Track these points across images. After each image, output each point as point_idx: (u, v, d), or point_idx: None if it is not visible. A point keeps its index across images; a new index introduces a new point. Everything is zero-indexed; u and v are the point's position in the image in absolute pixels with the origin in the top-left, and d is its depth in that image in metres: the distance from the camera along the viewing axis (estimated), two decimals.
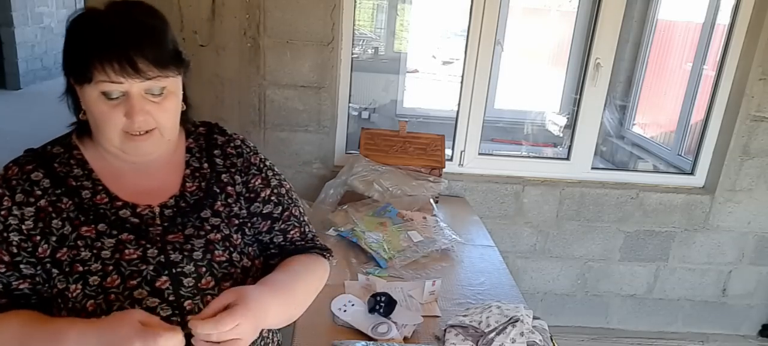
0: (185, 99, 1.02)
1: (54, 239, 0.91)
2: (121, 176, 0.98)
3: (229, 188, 1.06)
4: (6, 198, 0.90)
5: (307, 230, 1.14)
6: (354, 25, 2.42)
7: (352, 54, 2.46)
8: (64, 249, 0.90)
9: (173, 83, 0.94)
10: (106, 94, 0.88)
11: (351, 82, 2.50)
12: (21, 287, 0.89)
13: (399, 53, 3.94)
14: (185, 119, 1.04)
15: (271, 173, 1.11)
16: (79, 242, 0.91)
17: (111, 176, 0.97)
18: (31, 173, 0.93)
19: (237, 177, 1.07)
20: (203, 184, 1.04)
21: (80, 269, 0.90)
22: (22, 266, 0.89)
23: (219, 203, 1.03)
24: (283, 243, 1.10)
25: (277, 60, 2.31)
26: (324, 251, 1.14)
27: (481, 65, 2.48)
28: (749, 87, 2.48)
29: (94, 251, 0.91)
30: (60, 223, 0.91)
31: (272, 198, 1.09)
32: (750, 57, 2.46)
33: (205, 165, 1.06)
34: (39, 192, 0.92)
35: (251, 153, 1.11)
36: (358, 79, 2.65)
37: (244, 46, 2.28)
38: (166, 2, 2.19)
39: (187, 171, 1.04)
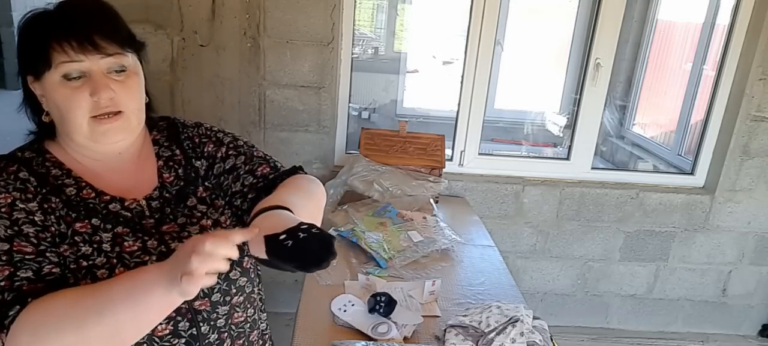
0: (147, 92, 1.01)
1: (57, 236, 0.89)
2: (96, 176, 0.96)
3: (201, 172, 1.07)
4: (2, 195, 0.86)
5: (278, 165, 1.09)
6: (354, 25, 2.42)
7: (352, 54, 2.45)
8: (65, 246, 0.88)
9: (133, 63, 0.95)
10: (67, 77, 0.88)
11: (351, 82, 2.50)
12: (53, 271, 0.85)
13: (399, 53, 3.94)
14: (148, 111, 1.03)
15: (222, 134, 1.10)
16: (76, 238, 0.89)
17: (86, 176, 0.96)
18: (18, 172, 0.91)
19: (202, 160, 1.07)
20: (180, 171, 1.04)
21: (85, 264, 0.88)
22: (48, 254, 0.86)
23: (200, 188, 1.04)
24: (254, 182, 1.04)
25: (277, 60, 2.31)
26: (299, 169, 1.10)
27: (481, 65, 2.48)
28: (749, 87, 2.48)
29: (94, 245, 0.90)
30: (56, 221, 0.89)
31: (230, 152, 1.07)
32: (750, 57, 2.46)
33: (178, 152, 1.06)
34: (32, 189, 0.90)
35: (198, 127, 1.11)
36: (358, 79, 2.65)
37: (244, 46, 2.28)
38: (166, 2, 2.19)
39: (160, 162, 1.04)
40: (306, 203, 0.97)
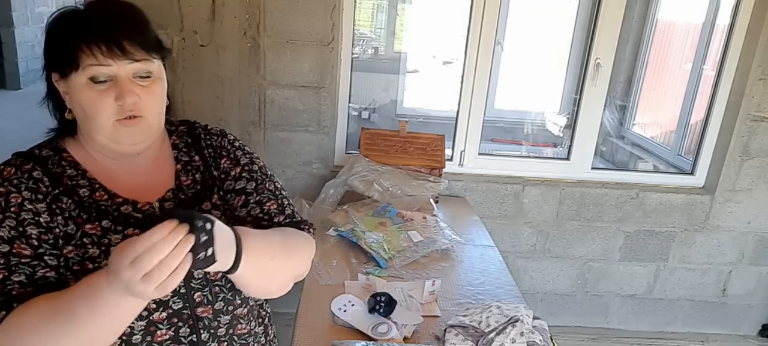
0: (168, 95, 1.01)
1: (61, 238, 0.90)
2: (112, 175, 0.97)
3: (217, 181, 1.07)
4: (13, 195, 0.87)
5: (285, 203, 1.10)
6: (354, 25, 2.42)
7: (352, 54, 2.45)
8: (70, 247, 0.89)
9: (158, 69, 0.95)
10: (94, 79, 0.88)
11: (351, 82, 2.50)
12: (47, 275, 0.85)
13: (399, 53, 3.94)
14: (167, 114, 1.03)
15: (241, 153, 1.10)
16: (85, 240, 0.90)
17: (103, 176, 0.96)
18: (32, 171, 0.91)
19: (218, 171, 1.08)
20: (197, 176, 1.04)
21: (90, 266, 0.88)
22: (46, 257, 0.86)
23: (215, 196, 1.04)
24: (259, 215, 1.05)
25: (277, 60, 2.31)
26: (305, 225, 1.10)
27: (481, 65, 2.48)
28: (749, 87, 2.48)
29: (102, 248, 0.90)
30: (63, 222, 0.90)
31: (244, 175, 1.08)
32: (750, 57, 2.46)
33: (197, 158, 1.07)
34: (44, 189, 0.90)
35: (222, 138, 1.11)
36: (358, 79, 2.66)
37: (244, 46, 2.28)
38: (166, 2, 2.19)
39: (179, 166, 1.04)
40: (279, 254, 0.97)
